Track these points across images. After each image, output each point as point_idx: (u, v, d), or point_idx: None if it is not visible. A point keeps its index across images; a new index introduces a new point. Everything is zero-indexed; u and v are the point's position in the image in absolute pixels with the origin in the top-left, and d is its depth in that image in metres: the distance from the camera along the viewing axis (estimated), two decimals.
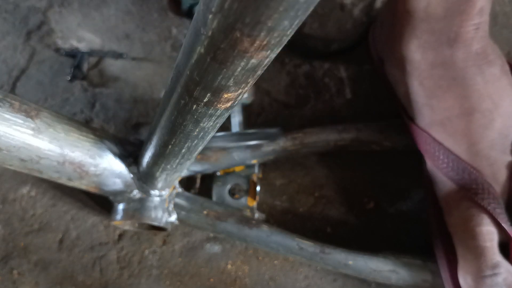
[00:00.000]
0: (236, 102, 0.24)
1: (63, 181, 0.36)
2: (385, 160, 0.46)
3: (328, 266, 0.41)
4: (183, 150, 0.31)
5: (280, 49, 0.19)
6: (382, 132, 0.43)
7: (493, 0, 0.36)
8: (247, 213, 0.44)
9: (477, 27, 0.35)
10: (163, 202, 0.42)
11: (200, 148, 0.32)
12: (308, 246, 0.41)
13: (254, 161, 0.45)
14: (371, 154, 0.46)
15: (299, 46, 0.49)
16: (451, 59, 0.36)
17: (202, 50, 0.19)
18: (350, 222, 0.46)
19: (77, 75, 0.50)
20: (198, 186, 0.48)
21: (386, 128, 0.43)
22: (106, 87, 0.51)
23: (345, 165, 0.47)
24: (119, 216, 0.41)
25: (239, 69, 0.20)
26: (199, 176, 0.48)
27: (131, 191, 0.40)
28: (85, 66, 0.51)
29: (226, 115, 0.26)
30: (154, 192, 0.40)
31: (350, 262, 0.40)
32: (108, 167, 0.37)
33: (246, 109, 0.49)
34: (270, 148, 0.44)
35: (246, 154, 0.44)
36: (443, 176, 0.38)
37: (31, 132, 0.30)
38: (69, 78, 0.50)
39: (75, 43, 0.52)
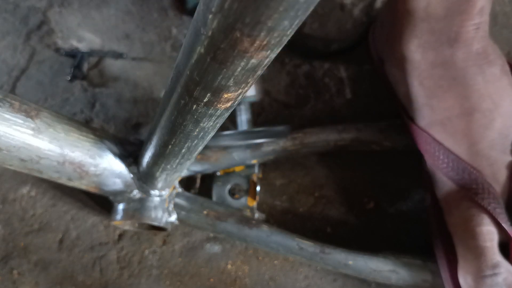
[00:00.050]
0: (236, 102, 0.24)
1: (63, 181, 0.36)
2: (385, 160, 0.46)
3: (328, 266, 0.41)
4: (183, 150, 0.31)
5: (280, 49, 0.19)
6: (382, 132, 0.43)
7: (493, 0, 0.36)
8: (247, 213, 0.44)
9: (477, 27, 0.35)
10: (163, 202, 0.42)
11: (200, 148, 0.32)
12: (308, 246, 0.41)
13: (254, 161, 0.45)
14: (371, 154, 0.46)
15: (299, 46, 0.49)
16: (451, 59, 0.36)
17: (202, 50, 0.19)
18: (350, 222, 0.46)
19: (77, 75, 0.50)
20: (198, 186, 0.48)
21: (386, 128, 0.43)
22: (106, 87, 0.51)
23: (345, 165, 0.47)
24: (119, 216, 0.41)
25: (239, 69, 0.20)
26: (199, 176, 0.48)
27: (131, 191, 0.40)
28: (85, 66, 0.51)
29: (226, 115, 0.26)
30: (154, 192, 0.40)
31: (350, 262, 0.40)
32: (108, 167, 0.37)
33: None
34: (270, 148, 0.44)
35: (246, 154, 0.44)
36: (443, 176, 0.38)
37: (31, 132, 0.30)
38: (69, 78, 0.50)
39: (75, 43, 0.52)
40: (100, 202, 0.47)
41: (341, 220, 0.47)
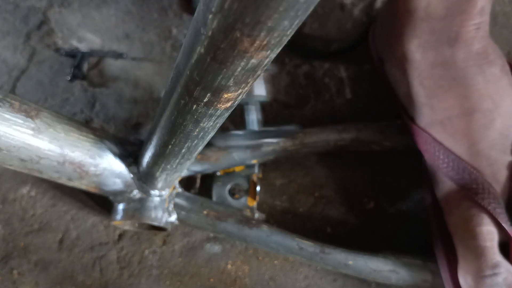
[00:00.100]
0: (236, 102, 0.24)
1: (63, 181, 0.36)
2: (385, 160, 0.46)
3: (328, 266, 0.41)
4: (183, 150, 0.31)
5: (280, 49, 0.19)
6: (382, 132, 0.43)
7: (493, 0, 0.36)
8: (247, 213, 0.44)
9: (477, 26, 0.35)
10: (163, 202, 0.42)
11: (200, 148, 0.32)
12: (308, 246, 0.41)
13: (254, 161, 0.45)
14: (371, 154, 0.46)
15: (299, 46, 0.49)
16: (451, 59, 0.36)
17: (202, 50, 0.19)
18: (350, 222, 0.46)
19: (77, 75, 0.50)
20: (198, 186, 0.48)
21: (386, 128, 0.43)
22: (106, 87, 0.51)
23: (345, 165, 0.47)
24: (119, 216, 0.41)
25: (239, 69, 0.20)
26: (199, 176, 0.48)
27: (131, 191, 0.40)
28: (85, 66, 0.51)
29: (226, 115, 0.26)
30: (154, 192, 0.40)
31: (350, 262, 0.40)
32: (108, 167, 0.37)
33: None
34: (270, 148, 0.44)
35: (246, 154, 0.44)
36: (443, 176, 0.38)
37: (31, 132, 0.30)
38: (69, 78, 0.50)
39: (75, 43, 0.52)
40: (100, 202, 0.47)
41: (341, 220, 0.47)
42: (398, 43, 0.38)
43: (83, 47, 0.51)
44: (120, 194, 0.40)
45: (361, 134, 0.43)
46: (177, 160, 0.33)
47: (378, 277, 0.40)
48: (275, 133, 0.43)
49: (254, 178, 0.46)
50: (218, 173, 0.47)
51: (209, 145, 0.44)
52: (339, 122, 0.45)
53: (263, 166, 0.48)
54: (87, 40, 0.52)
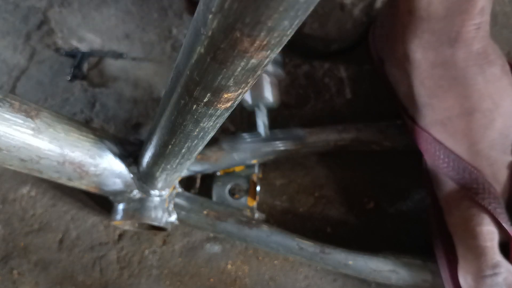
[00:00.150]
0: (236, 102, 0.24)
1: (63, 181, 0.36)
2: (385, 160, 0.46)
3: (328, 266, 0.41)
4: (183, 150, 0.31)
5: (280, 49, 0.19)
6: (382, 132, 0.43)
7: (493, 0, 0.36)
8: (247, 213, 0.44)
9: (478, 26, 0.35)
10: (163, 202, 0.42)
11: (200, 148, 0.32)
12: (308, 246, 0.41)
13: (254, 161, 0.45)
14: (371, 154, 0.46)
15: (299, 46, 0.49)
16: (452, 59, 0.36)
17: (202, 50, 0.19)
18: (350, 222, 0.46)
19: (77, 75, 0.50)
20: (198, 186, 0.48)
21: (386, 128, 0.43)
22: (106, 87, 0.51)
23: (345, 165, 0.47)
24: (119, 216, 0.41)
25: (239, 69, 0.20)
26: (199, 176, 0.48)
27: (131, 191, 0.40)
28: (85, 66, 0.51)
29: (226, 115, 0.26)
30: (154, 192, 0.40)
31: (350, 262, 0.40)
32: (108, 167, 0.37)
33: (246, 110, 0.49)
34: (270, 148, 0.44)
35: (246, 154, 0.44)
36: (443, 176, 0.38)
37: (31, 132, 0.30)
38: (69, 78, 0.50)
39: (75, 43, 0.52)
40: (100, 202, 0.47)
41: (341, 220, 0.47)
42: (398, 43, 0.38)
43: (83, 47, 0.51)
44: (120, 194, 0.40)
45: (361, 134, 0.43)
46: (177, 160, 0.33)
47: (378, 277, 0.40)
48: (283, 137, 0.43)
49: (254, 178, 0.46)
50: (218, 173, 0.47)
51: (211, 145, 0.44)
52: (339, 122, 0.45)
53: (263, 166, 0.48)
54: (87, 40, 0.52)
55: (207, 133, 0.28)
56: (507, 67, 0.37)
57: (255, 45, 0.18)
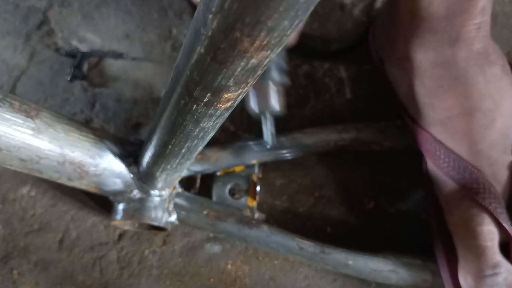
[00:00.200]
0: (236, 102, 0.24)
1: (63, 181, 0.36)
2: (385, 160, 0.46)
3: (328, 266, 0.41)
4: (183, 150, 0.31)
5: (280, 49, 0.19)
6: (382, 132, 0.43)
7: (493, 0, 0.36)
8: (247, 213, 0.44)
9: (478, 26, 0.35)
10: (163, 202, 0.42)
11: (200, 148, 0.32)
12: (308, 246, 0.41)
13: (254, 161, 0.45)
14: (371, 154, 0.46)
15: (299, 46, 0.49)
16: (452, 59, 0.36)
17: (202, 50, 0.19)
18: (350, 222, 0.46)
19: (77, 75, 0.50)
20: (198, 186, 0.48)
21: (386, 128, 0.43)
22: (106, 87, 0.50)
23: (345, 165, 0.47)
24: (119, 216, 0.41)
25: (239, 69, 0.20)
26: (199, 176, 0.48)
27: (131, 191, 0.40)
28: (85, 66, 0.51)
29: (226, 115, 0.26)
30: (154, 192, 0.40)
31: (350, 262, 0.40)
32: (108, 167, 0.37)
33: (246, 110, 0.49)
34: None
35: (250, 160, 0.44)
36: (443, 176, 0.38)
37: (31, 132, 0.30)
38: (69, 78, 0.50)
39: (75, 43, 0.52)
40: (100, 202, 0.47)
41: (341, 220, 0.47)
42: (398, 43, 0.38)
43: (83, 47, 0.51)
44: (120, 194, 0.40)
45: (361, 134, 0.43)
46: (177, 160, 0.33)
47: (378, 277, 0.40)
48: (289, 146, 0.43)
49: (254, 178, 0.46)
50: (218, 173, 0.47)
51: (211, 145, 0.44)
52: (339, 122, 0.45)
53: (263, 166, 0.48)
54: (87, 40, 0.52)
55: (207, 133, 0.28)
56: (508, 67, 0.37)
57: (255, 45, 0.18)
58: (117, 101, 0.50)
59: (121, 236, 0.48)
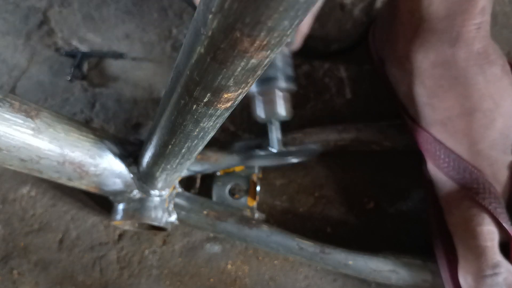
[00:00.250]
0: (236, 102, 0.24)
1: (63, 181, 0.36)
2: (385, 160, 0.46)
3: (328, 266, 0.41)
4: (183, 150, 0.31)
5: (280, 49, 0.19)
6: (382, 132, 0.43)
7: (493, 0, 0.36)
8: (247, 213, 0.44)
9: (478, 26, 0.35)
10: (163, 202, 0.42)
11: (200, 148, 0.32)
12: (308, 246, 0.41)
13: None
14: (371, 154, 0.46)
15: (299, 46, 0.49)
16: (452, 59, 0.36)
17: (202, 50, 0.19)
18: (350, 222, 0.46)
19: (77, 75, 0.50)
20: (198, 186, 0.48)
21: (386, 128, 0.43)
22: (106, 87, 0.50)
23: (345, 165, 0.47)
24: (119, 216, 0.41)
25: (239, 69, 0.20)
26: (199, 176, 0.48)
27: (131, 191, 0.40)
28: (85, 66, 0.51)
29: (226, 115, 0.26)
30: (154, 192, 0.40)
31: (350, 262, 0.40)
32: (108, 167, 0.37)
33: (246, 109, 0.49)
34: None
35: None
36: (443, 176, 0.38)
37: (31, 132, 0.30)
38: (69, 78, 0.50)
39: (75, 43, 0.52)
40: (100, 202, 0.47)
41: (341, 220, 0.47)
42: (398, 43, 0.38)
43: (83, 47, 0.51)
44: (120, 194, 0.40)
45: (361, 134, 0.43)
46: (177, 160, 0.33)
47: (378, 277, 0.40)
48: (296, 153, 0.43)
49: (254, 178, 0.46)
50: (218, 173, 0.47)
51: (211, 145, 0.44)
52: (339, 122, 0.45)
53: (263, 166, 0.48)
54: (87, 40, 0.52)
55: (207, 133, 0.28)
56: (508, 67, 0.37)
57: (255, 45, 0.18)
58: (117, 101, 0.50)
59: (121, 236, 0.48)
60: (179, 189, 0.44)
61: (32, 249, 0.48)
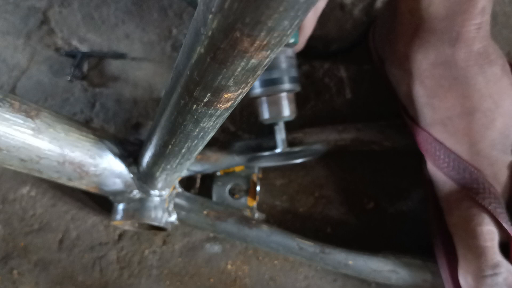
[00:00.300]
0: (236, 102, 0.24)
1: (63, 181, 0.36)
2: (385, 160, 0.46)
3: (328, 266, 0.41)
4: (183, 150, 0.31)
5: (280, 49, 0.19)
6: (382, 132, 0.43)
7: (493, 0, 0.36)
8: (247, 213, 0.44)
9: (478, 26, 0.35)
10: (163, 202, 0.42)
11: (200, 148, 0.32)
12: (308, 246, 0.41)
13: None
14: (371, 154, 0.46)
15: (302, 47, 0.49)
16: (452, 59, 0.36)
17: (202, 50, 0.19)
18: (350, 222, 0.46)
19: (77, 75, 0.50)
20: (198, 186, 0.48)
21: (386, 128, 0.43)
22: (106, 87, 0.50)
23: (345, 165, 0.47)
24: (119, 216, 0.41)
25: (239, 69, 0.20)
26: (199, 176, 0.48)
27: (131, 191, 0.40)
28: (85, 66, 0.51)
29: (226, 115, 0.26)
30: (154, 192, 0.40)
31: (350, 262, 0.40)
32: (108, 167, 0.37)
33: (246, 109, 0.49)
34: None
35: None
36: (443, 176, 0.38)
37: (31, 132, 0.30)
38: (69, 78, 0.50)
39: (75, 43, 0.52)
40: (100, 202, 0.47)
41: (341, 220, 0.47)
42: (398, 43, 0.38)
43: (83, 47, 0.51)
44: (120, 194, 0.40)
45: (361, 134, 0.43)
46: (177, 160, 0.33)
47: (378, 277, 0.40)
48: (301, 154, 0.43)
49: (254, 178, 0.46)
50: (218, 173, 0.47)
51: (211, 145, 0.44)
52: (339, 122, 0.45)
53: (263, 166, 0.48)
54: (87, 40, 0.52)
55: (207, 133, 0.28)
56: (508, 67, 0.37)
57: (255, 45, 0.18)
58: (117, 101, 0.50)
59: (121, 236, 0.48)
60: (179, 189, 0.44)
61: (32, 249, 0.48)
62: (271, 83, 0.40)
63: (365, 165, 0.47)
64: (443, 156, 0.37)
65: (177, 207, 0.43)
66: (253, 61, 0.19)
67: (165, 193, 0.41)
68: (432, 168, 0.39)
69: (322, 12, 0.44)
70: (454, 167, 0.37)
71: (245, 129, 0.49)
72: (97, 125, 0.50)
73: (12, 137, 0.29)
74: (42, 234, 0.48)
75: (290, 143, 0.44)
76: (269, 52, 0.19)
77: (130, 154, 0.39)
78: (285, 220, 0.47)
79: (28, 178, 0.49)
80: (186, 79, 0.22)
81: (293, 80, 0.41)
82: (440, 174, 0.38)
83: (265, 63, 0.20)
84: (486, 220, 0.35)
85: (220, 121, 0.27)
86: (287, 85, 0.40)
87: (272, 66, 0.40)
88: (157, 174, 0.36)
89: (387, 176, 0.47)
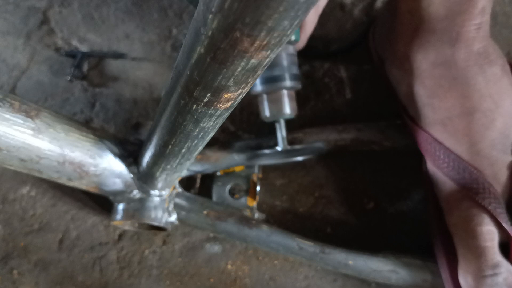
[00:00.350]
0: (236, 102, 0.24)
1: (63, 181, 0.36)
2: (385, 160, 0.46)
3: (328, 266, 0.41)
4: (183, 150, 0.31)
5: (280, 49, 0.19)
6: (382, 132, 0.43)
7: (493, 0, 0.36)
8: (247, 213, 0.44)
9: (478, 26, 0.35)
10: (163, 202, 0.42)
11: (200, 148, 0.32)
12: (308, 246, 0.41)
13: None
14: (371, 154, 0.46)
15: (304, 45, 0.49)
16: (452, 59, 0.36)
17: (202, 50, 0.19)
18: (350, 222, 0.46)
19: (77, 75, 0.50)
20: (198, 186, 0.48)
21: (386, 128, 0.43)
22: (106, 87, 0.51)
23: (345, 165, 0.47)
24: (119, 216, 0.41)
25: (239, 69, 0.20)
26: (199, 176, 0.48)
27: (131, 191, 0.40)
28: (85, 66, 0.51)
29: (226, 115, 0.26)
30: (154, 192, 0.40)
31: (350, 262, 0.40)
32: (108, 167, 0.37)
33: (246, 109, 0.49)
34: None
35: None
36: (443, 176, 0.38)
37: (31, 132, 0.30)
38: (69, 78, 0.50)
39: (75, 43, 0.52)
40: (100, 202, 0.47)
41: (341, 220, 0.47)
42: (398, 43, 0.38)
43: (83, 47, 0.51)
44: (120, 194, 0.40)
45: (361, 134, 0.43)
46: (177, 160, 0.33)
47: (378, 277, 0.40)
48: (302, 151, 0.43)
49: (254, 178, 0.46)
50: (218, 173, 0.47)
51: (211, 145, 0.44)
52: (339, 122, 0.45)
53: (263, 166, 0.48)
54: (87, 40, 0.52)
55: (207, 133, 0.28)
56: (507, 67, 0.37)
57: (255, 45, 0.18)
58: (117, 101, 0.50)
59: (121, 236, 0.48)
60: (179, 189, 0.44)
61: (32, 249, 0.48)
62: (272, 80, 0.40)
63: (365, 165, 0.47)
64: (443, 156, 0.37)
65: (177, 207, 0.43)
66: (253, 61, 0.19)
67: (165, 193, 0.41)
68: (432, 168, 0.39)
69: (322, 12, 0.44)
70: (454, 167, 0.37)
71: (245, 129, 0.49)
72: (97, 125, 0.50)
73: (12, 137, 0.29)
74: (42, 234, 0.48)
75: (290, 142, 0.44)
76: (269, 52, 0.19)
77: (130, 154, 0.39)
78: (285, 220, 0.47)
79: (28, 178, 0.49)
80: (186, 79, 0.22)
81: (294, 77, 0.41)
82: (440, 174, 0.38)
83: (265, 63, 0.20)
84: (486, 220, 0.35)
85: (220, 121, 0.27)
86: (288, 82, 0.40)
87: (273, 64, 0.40)
88: (157, 174, 0.36)
89: (387, 176, 0.47)
